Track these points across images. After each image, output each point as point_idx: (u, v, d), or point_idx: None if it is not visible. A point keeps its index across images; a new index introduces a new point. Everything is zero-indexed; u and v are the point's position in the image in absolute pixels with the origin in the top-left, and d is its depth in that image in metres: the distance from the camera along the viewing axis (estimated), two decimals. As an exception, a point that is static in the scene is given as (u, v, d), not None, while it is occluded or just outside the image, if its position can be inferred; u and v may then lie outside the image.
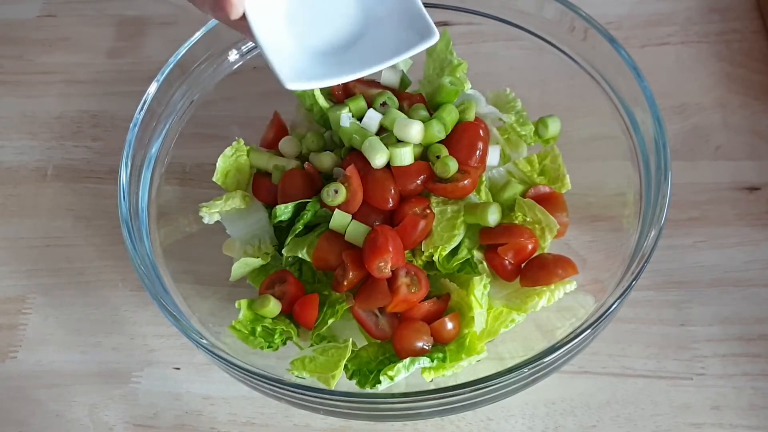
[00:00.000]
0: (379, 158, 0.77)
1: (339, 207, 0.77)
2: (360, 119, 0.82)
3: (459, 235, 0.78)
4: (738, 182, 0.91)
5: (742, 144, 0.94)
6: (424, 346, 0.73)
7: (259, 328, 0.76)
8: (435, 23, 0.68)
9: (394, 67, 0.89)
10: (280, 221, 0.79)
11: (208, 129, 0.92)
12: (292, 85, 0.65)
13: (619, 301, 0.67)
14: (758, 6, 1.05)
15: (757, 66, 1.00)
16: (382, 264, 0.73)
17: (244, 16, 0.65)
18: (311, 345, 0.77)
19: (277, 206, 0.79)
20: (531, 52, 0.87)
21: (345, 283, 0.75)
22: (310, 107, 0.87)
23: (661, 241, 0.69)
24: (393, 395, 0.68)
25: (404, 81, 0.89)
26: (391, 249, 0.74)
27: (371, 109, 0.82)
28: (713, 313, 0.84)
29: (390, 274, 0.74)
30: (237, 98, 0.93)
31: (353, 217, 0.77)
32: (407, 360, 0.71)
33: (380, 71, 0.91)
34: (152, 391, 0.85)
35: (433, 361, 0.72)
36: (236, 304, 0.77)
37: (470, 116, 0.83)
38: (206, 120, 0.90)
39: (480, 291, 0.75)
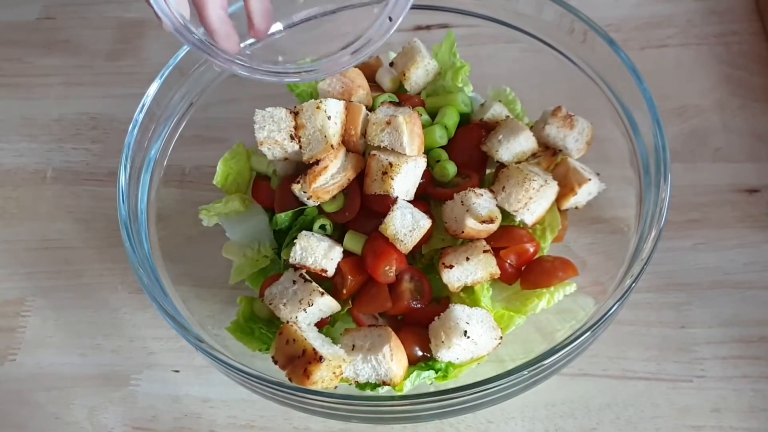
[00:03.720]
0: None
1: (336, 213, 0.77)
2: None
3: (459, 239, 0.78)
4: (738, 184, 0.91)
5: (741, 146, 0.94)
6: (426, 354, 0.73)
7: (256, 331, 0.76)
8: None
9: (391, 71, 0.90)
10: (281, 227, 0.80)
11: (208, 131, 0.92)
12: None
13: (618, 303, 0.67)
14: (758, 8, 1.05)
15: (756, 68, 1.00)
16: (388, 268, 0.73)
17: None
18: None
19: (277, 215, 0.79)
20: (531, 54, 0.87)
21: (344, 291, 0.75)
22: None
23: (661, 243, 0.69)
24: (393, 398, 0.68)
25: (402, 83, 0.89)
26: (394, 253, 0.74)
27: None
28: (713, 315, 0.83)
29: (394, 278, 0.74)
30: (236, 100, 0.93)
31: (350, 224, 0.78)
32: (414, 374, 0.71)
33: (378, 73, 0.91)
34: (151, 394, 0.85)
35: (437, 372, 0.72)
36: (237, 300, 0.77)
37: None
38: (205, 122, 0.90)
39: (486, 296, 0.75)
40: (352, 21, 0.74)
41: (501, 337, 0.72)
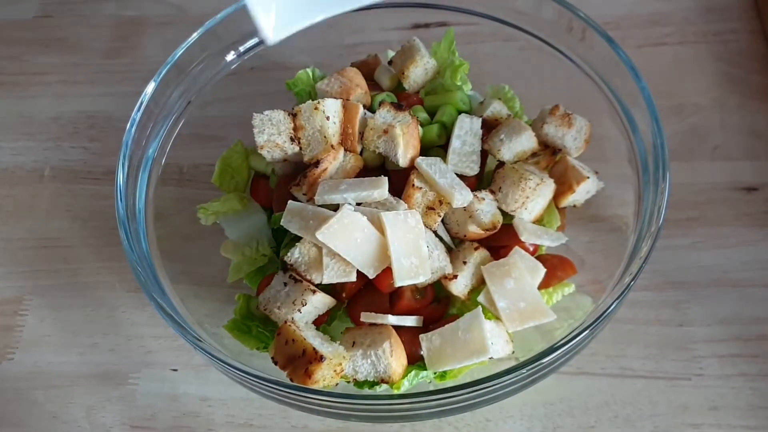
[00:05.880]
0: None
1: None
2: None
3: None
4: (736, 182, 0.91)
5: (739, 144, 0.94)
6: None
7: (254, 329, 0.76)
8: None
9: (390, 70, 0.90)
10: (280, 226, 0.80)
11: (205, 130, 0.91)
12: (276, 38, 0.63)
13: (617, 301, 0.66)
14: (756, 6, 1.05)
15: (754, 66, 1.00)
16: (393, 281, 0.73)
17: None
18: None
19: (275, 214, 0.79)
20: (529, 52, 0.87)
21: (344, 294, 0.75)
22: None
23: (660, 241, 0.69)
24: (391, 396, 0.68)
25: (401, 82, 0.89)
26: None
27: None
28: (711, 314, 0.84)
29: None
30: (234, 99, 0.93)
31: None
32: (412, 373, 0.71)
33: (377, 72, 0.91)
34: (149, 393, 0.85)
35: (435, 373, 0.72)
36: (236, 297, 0.77)
37: None
38: (203, 121, 0.90)
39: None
40: None
41: (513, 351, 0.72)
